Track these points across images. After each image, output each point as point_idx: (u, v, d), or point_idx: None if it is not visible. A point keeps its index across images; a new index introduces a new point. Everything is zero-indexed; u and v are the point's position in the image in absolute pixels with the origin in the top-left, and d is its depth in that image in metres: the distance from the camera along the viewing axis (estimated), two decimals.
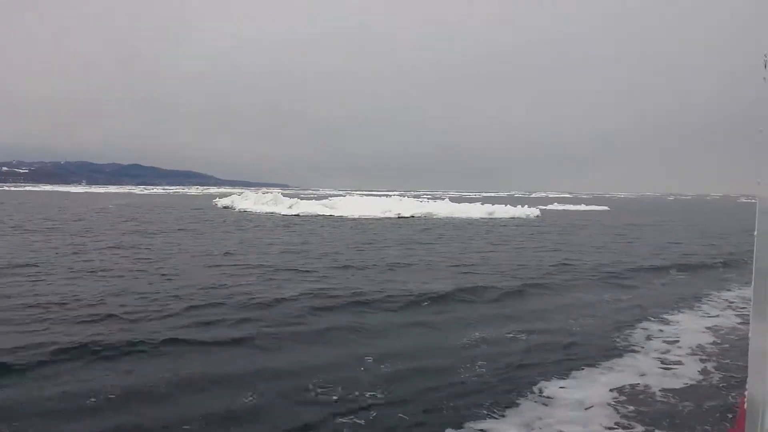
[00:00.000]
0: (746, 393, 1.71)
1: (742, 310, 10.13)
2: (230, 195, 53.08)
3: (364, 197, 47.59)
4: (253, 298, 9.61)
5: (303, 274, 12.52)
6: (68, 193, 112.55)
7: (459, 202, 47.85)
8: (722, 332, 8.50)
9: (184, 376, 5.89)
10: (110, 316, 8.20)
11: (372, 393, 5.59)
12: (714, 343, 7.87)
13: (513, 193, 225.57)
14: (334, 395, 5.51)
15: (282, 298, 9.66)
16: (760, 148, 1.55)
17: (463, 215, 38.79)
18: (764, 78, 1.55)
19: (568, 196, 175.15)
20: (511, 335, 7.92)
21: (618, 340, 7.85)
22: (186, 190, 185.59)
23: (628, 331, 8.33)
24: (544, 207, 66.27)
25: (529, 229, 29.93)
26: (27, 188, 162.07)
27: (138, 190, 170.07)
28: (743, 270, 15.52)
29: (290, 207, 38.73)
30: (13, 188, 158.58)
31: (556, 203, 68.72)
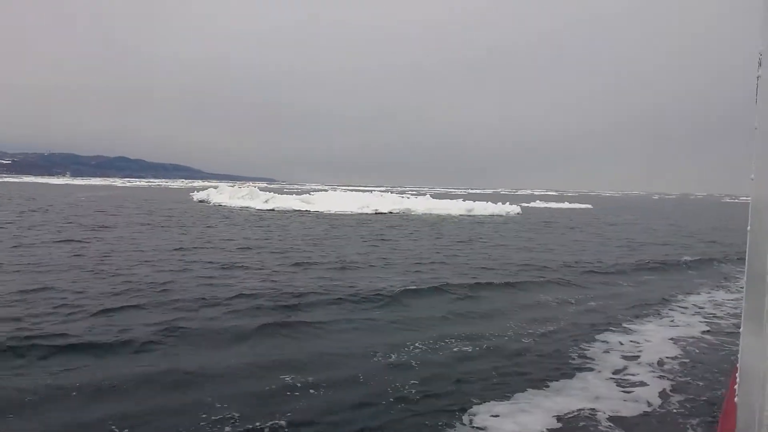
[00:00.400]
0: (737, 400, 1.67)
1: (710, 317, 9.44)
2: (208, 189, 51.95)
3: (346, 192, 46.79)
4: (177, 300, 8.77)
5: (249, 272, 11.69)
6: (46, 184, 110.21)
7: (443, 199, 47.20)
8: (689, 344, 7.71)
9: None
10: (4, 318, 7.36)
11: (268, 410, 4.85)
12: (679, 357, 7.09)
13: (499, 190, 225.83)
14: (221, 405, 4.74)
15: (210, 298, 8.87)
16: (754, 145, 1.58)
17: (442, 212, 38.12)
18: (758, 76, 1.59)
19: (553, 193, 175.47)
20: (453, 342, 7.15)
21: (573, 353, 7.06)
22: (169, 183, 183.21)
23: (585, 343, 7.52)
24: (526, 204, 65.97)
25: (506, 226, 29.36)
26: (4, 179, 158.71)
27: (120, 182, 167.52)
28: (714, 271, 15.03)
29: (266, 201, 37.78)
30: None
31: (538, 201, 68.40)
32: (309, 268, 12.55)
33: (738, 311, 9.78)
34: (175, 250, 15.01)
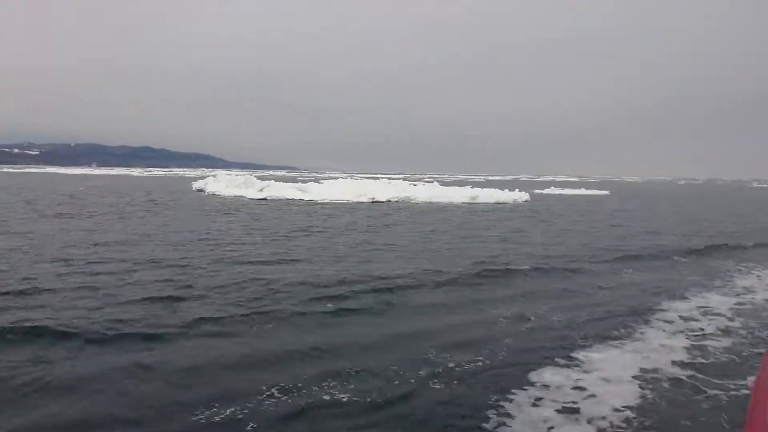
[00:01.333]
0: None
1: (692, 336, 7.43)
2: (207, 177, 51.17)
3: (348, 180, 45.47)
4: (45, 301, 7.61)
5: (167, 270, 10.45)
6: (63, 174, 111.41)
7: (453, 186, 45.32)
8: (653, 381, 5.80)
9: None
10: None
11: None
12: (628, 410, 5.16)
13: (520, 176, 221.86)
14: None
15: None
16: None
17: (445, 200, 36.56)
18: None
19: (576, 180, 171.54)
20: (311, 365, 5.79)
21: (482, 404, 5.17)
22: (187, 172, 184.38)
23: (504, 383, 5.54)
24: (540, 191, 63.94)
25: (506, 214, 27.73)
26: (29, 170, 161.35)
27: (138, 172, 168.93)
28: (709, 269, 13.27)
29: (261, 190, 36.72)
30: (9, 170, 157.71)
31: (552, 187, 66.15)
32: (241, 266, 11.30)
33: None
34: (117, 243, 13.94)
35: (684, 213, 32.32)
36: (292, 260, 12.00)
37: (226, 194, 37.06)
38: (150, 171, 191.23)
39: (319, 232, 17.83)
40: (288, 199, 34.01)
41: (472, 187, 51.97)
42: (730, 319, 8.29)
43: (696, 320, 8.18)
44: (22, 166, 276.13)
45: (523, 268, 11.69)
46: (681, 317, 8.29)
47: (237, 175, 40.44)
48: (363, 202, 33.15)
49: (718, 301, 9.42)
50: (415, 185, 46.78)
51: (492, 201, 37.36)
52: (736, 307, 9.11)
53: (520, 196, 41.43)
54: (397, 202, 34.83)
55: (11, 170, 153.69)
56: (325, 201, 33.29)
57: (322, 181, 56.88)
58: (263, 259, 12.00)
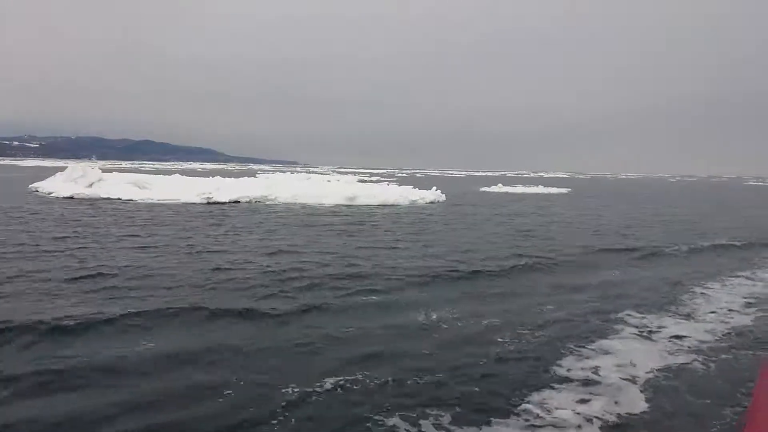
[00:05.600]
0: None
1: None
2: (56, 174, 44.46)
3: (190, 178, 39.04)
4: None
5: None
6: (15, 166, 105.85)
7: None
8: None
9: None
10: None
11: None
12: None
13: (506, 173, 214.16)
14: None
15: None
16: None
17: (313, 201, 29.90)
18: None
19: (564, 175, 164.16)
20: None
21: None
22: (183, 165, 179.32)
23: None
24: (486, 188, 57.16)
25: (353, 219, 21.06)
26: (26, 163, 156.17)
27: (99, 165, 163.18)
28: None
29: (90, 186, 30.35)
30: None
31: (500, 184, 59.44)
32: None
33: None
34: None
35: (653, 212, 25.45)
36: None
37: (59, 193, 30.35)
38: (116, 164, 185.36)
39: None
40: (104, 198, 27.60)
41: (389, 184, 45.51)
42: None
43: None
44: (21, 158, 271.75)
45: None
46: None
47: (91, 168, 33.97)
48: (195, 203, 26.65)
49: None
50: (329, 181, 40.51)
51: (376, 203, 30.60)
52: None
53: (429, 196, 34.78)
54: (248, 203, 28.31)
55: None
56: (154, 201, 26.86)
57: (293, 172, 50.97)
58: None
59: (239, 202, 28.38)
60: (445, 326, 7.81)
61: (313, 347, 6.73)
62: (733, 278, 12.16)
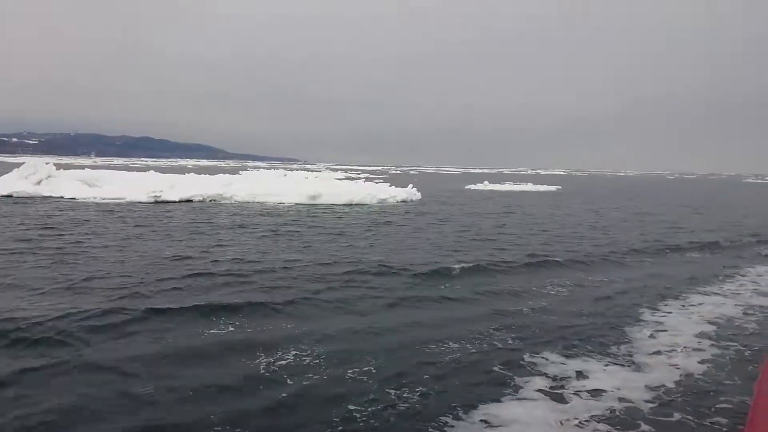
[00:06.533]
0: None
1: None
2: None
3: (147, 174, 37.34)
4: None
5: None
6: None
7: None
8: None
9: None
10: None
11: None
12: None
13: (502, 170, 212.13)
14: None
15: None
16: None
17: (272, 199, 28.17)
18: None
19: (561, 173, 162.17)
20: None
21: None
22: (180, 162, 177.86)
23: None
24: (473, 186, 55.38)
25: (318, 219, 19.26)
26: (21, 159, 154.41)
27: (91, 161, 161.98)
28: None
29: (38, 183, 28.67)
30: None
31: (486, 181, 57.66)
32: None
33: None
34: None
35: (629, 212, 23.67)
36: None
37: (2, 191, 28.80)
38: (108, 161, 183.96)
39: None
40: (45, 197, 25.91)
41: (365, 181, 43.80)
42: None
43: None
44: (19, 155, 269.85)
45: None
46: None
47: (46, 164, 32.30)
48: (141, 202, 24.96)
49: None
50: (316, 177, 38.79)
51: (340, 202, 28.89)
52: None
53: (401, 194, 33.09)
54: (200, 201, 26.61)
55: None
56: (92, 200, 25.17)
57: (285, 172, 50.71)
58: None
59: (191, 200, 26.69)
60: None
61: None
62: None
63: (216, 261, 11.59)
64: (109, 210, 21.66)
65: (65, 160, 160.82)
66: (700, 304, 9.60)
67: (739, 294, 10.52)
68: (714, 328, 8.10)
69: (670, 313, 8.91)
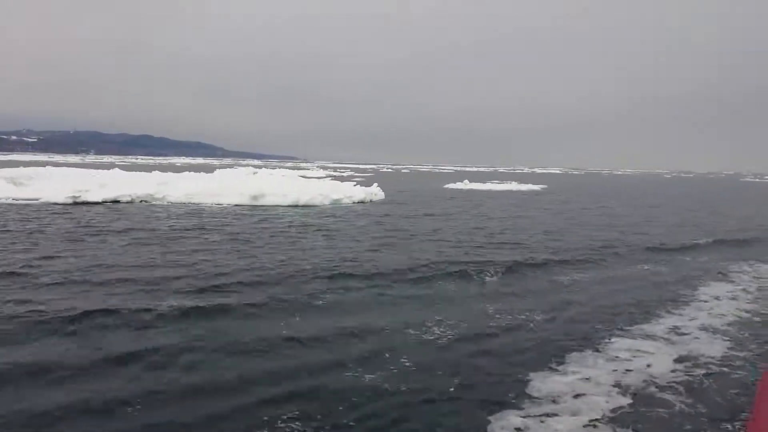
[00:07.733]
0: None
1: None
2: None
3: (82, 171, 35.30)
4: None
5: None
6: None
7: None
8: None
9: None
10: None
11: None
12: None
13: (498, 168, 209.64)
14: None
15: None
16: None
17: (209, 200, 25.78)
18: None
19: (557, 172, 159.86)
20: None
21: None
22: (172, 159, 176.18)
23: None
24: (452, 185, 53.12)
25: (265, 222, 17.03)
26: (18, 158, 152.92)
27: (77, 159, 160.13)
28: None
29: None
30: None
31: (467, 180, 55.45)
32: None
33: None
34: None
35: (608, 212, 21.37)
36: None
37: None
38: (101, 159, 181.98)
39: None
40: None
41: (343, 180, 41.59)
42: None
43: None
44: (18, 153, 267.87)
45: None
46: None
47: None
48: (57, 203, 22.76)
49: None
50: (270, 175, 36.74)
51: (286, 203, 26.65)
52: None
53: (359, 194, 30.91)
54: (128, 203, 24.39)
55: None
56: (4, 201, 23.03)
57: (255, 170, 49.66)
58: None
59: (119, 201, 24.49)
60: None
61: None
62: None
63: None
64: (15, 212, 19.48)
65: (62, 158, 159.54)
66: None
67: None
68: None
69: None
